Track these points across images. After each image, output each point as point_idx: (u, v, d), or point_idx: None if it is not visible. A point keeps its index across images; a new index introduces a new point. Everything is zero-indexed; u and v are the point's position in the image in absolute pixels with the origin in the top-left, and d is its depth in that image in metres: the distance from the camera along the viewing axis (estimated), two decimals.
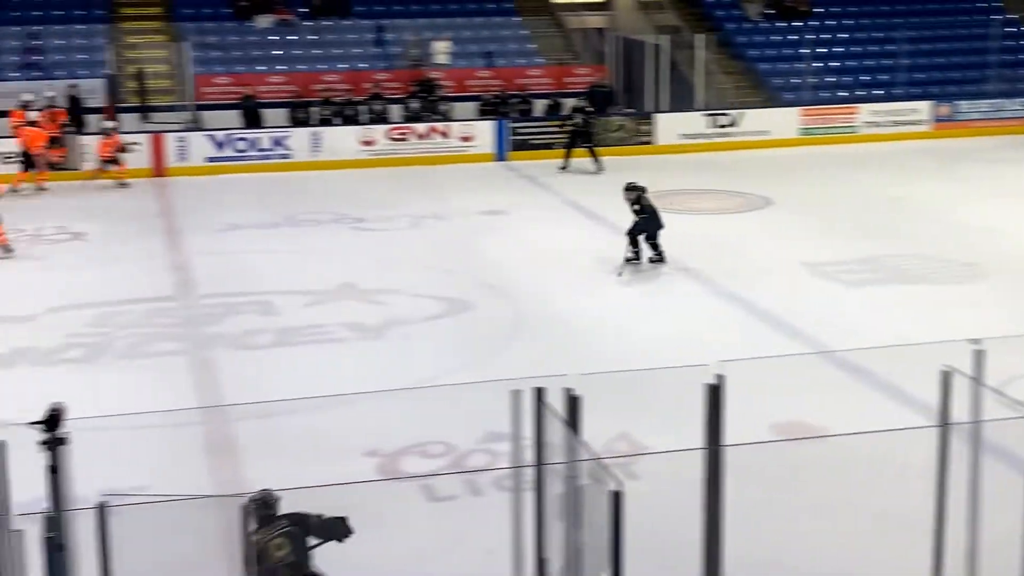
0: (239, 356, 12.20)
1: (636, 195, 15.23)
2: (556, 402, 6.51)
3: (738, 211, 19.12)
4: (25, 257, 16.31)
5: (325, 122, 23.89)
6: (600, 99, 25.43)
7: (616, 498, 5.39)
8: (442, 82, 25.39)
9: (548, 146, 23.10)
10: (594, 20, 29.75)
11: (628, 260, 15.04)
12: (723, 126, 24.89)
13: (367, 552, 7.91)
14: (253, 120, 23.48)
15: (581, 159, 22.48)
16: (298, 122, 23.75)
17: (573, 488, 6.20)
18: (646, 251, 15.21)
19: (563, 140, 22.98)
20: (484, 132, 23.74)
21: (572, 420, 6.35)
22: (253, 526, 6.42)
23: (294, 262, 15.97)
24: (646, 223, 15.15)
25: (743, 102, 26.11)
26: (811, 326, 12.71)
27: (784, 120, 25.39)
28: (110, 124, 21.66)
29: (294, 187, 20.96)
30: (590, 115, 23.27)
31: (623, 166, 22.73)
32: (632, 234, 15.12)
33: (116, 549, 5.88)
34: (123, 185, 20.81)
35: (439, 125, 23.74)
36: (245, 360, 12.09)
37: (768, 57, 27.59)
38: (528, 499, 6.94)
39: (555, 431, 6.43)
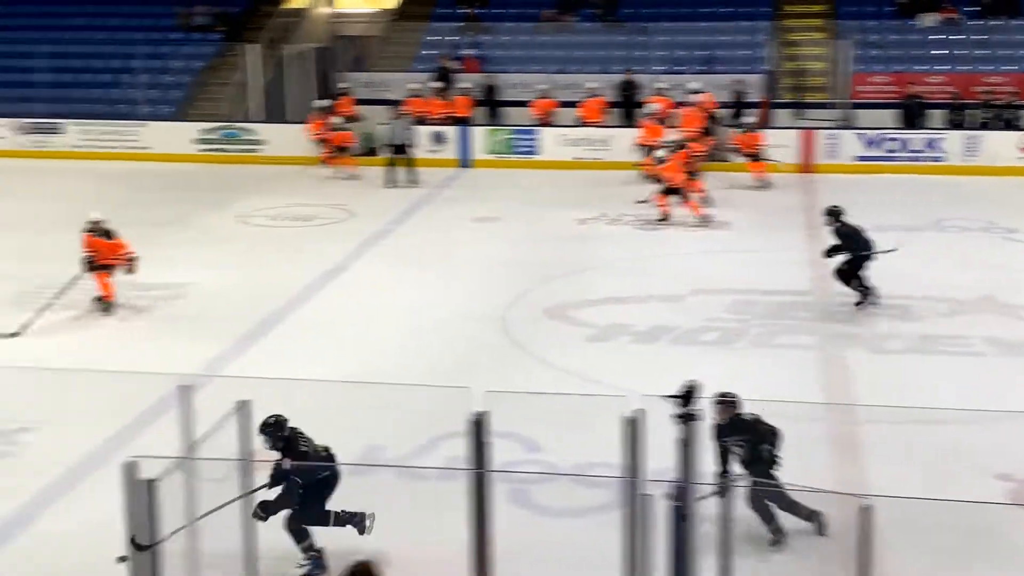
0: (871, 358, 12.01)
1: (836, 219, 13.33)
2: None
3: None
4: (676, 241, 17.25)
5: (984, 125, 22.70)
6: None
7: None
8: None
9: None
10: None
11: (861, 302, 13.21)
12: None
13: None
14: (912, 120, 22.89)
15: None
16: (955, 124, 22.81)
17: None
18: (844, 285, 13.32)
19: None
20: None
21: None
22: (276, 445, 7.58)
23: (936, 268, 15.37)
24: (862, 248, 13.24)
25: None
26: None
27: None
28: (751, 120, 22.11)
29: (944, 191, 20.17)
30: None
31: None
32: (848, 274, 13.23)
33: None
34: (763, 185, 20.90)
35: None
36: (877, 363, 11.87)
37: None
38: None
39: None
